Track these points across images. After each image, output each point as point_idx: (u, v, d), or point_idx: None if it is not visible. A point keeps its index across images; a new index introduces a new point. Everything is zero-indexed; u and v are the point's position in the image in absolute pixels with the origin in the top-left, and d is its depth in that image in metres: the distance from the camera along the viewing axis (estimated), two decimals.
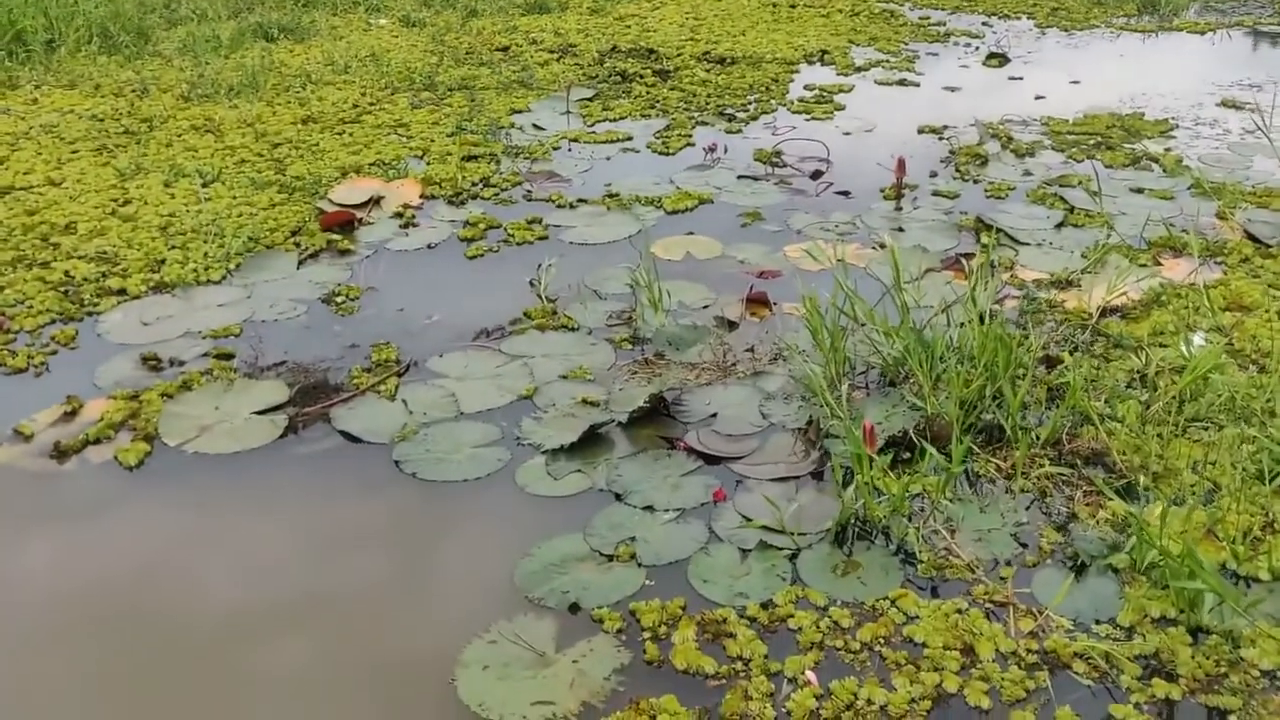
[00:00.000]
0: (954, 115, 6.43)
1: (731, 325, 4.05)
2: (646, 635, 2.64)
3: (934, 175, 5.54)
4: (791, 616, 2.68)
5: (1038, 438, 3.23)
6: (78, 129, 6.04)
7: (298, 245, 4.73)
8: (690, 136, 6.08)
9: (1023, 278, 4.34)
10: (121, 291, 4.30)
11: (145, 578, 2.91)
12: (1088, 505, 3.03)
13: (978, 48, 8.03)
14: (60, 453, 3.36)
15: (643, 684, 2.51)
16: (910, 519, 2.97)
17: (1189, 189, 5.22)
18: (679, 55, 7.64)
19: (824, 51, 7.74)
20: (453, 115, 6.35)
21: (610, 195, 5.26)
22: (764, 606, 2.71)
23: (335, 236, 4.79)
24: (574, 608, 2.74)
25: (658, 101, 6.68)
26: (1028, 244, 4.65)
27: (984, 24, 8.76)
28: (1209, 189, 5.16)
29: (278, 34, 8.01)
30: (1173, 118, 6.39)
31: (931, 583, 2.80)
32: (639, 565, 2.87)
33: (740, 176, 5.50)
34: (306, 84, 6.86)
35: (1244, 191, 5.18)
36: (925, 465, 3.05)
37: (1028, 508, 3.05)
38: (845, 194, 5.31)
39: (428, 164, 5.61)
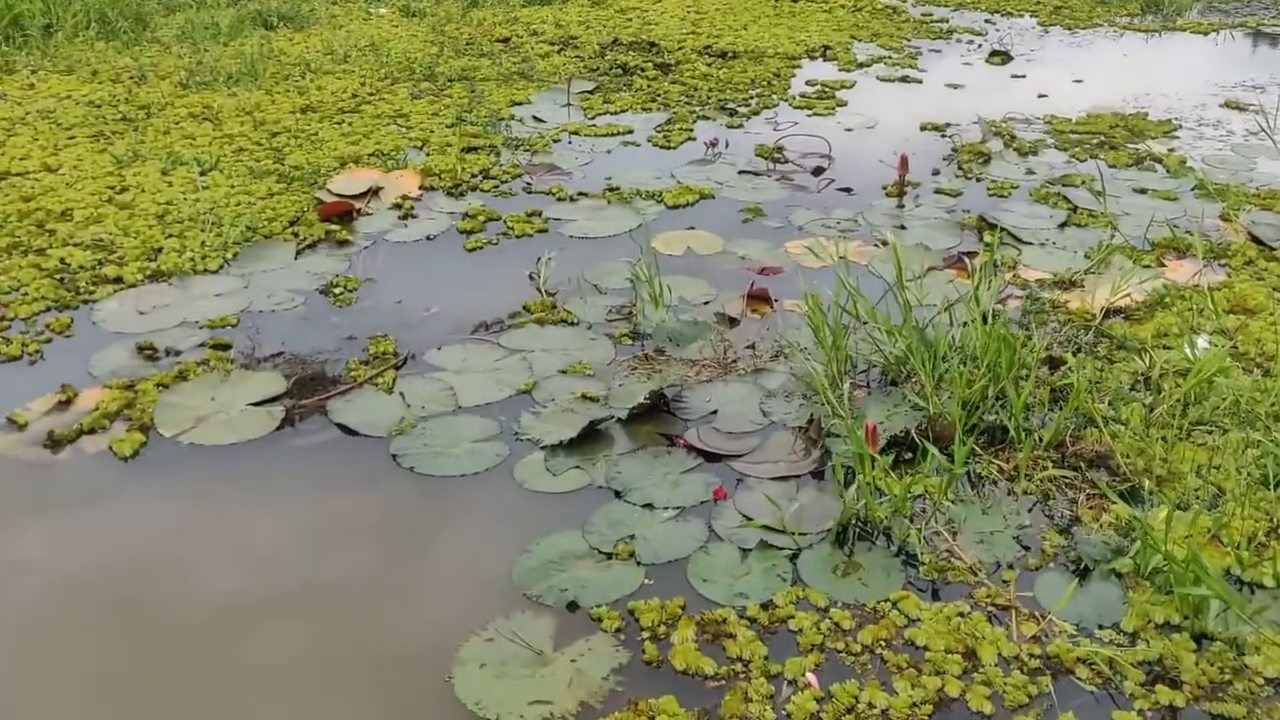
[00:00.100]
0: (956, 113, 6.40)
1: (732, 322, 4.02)
2: (645, 635, 2.62)
3: (936, 173, 5.51)
4: (792, 617, 2.66)
5: (1041, 439, 3.21)
6: (75, 115, 5.99)
7: (296, 235, 4.69)
8: (691, 131, 6.05)
9: (1026, 277, 4.32)
10: (118, 280, 4.27)
11: (139, 569, 2.88)
12: (1091, 508, 3.01)
13: (980, 45, 8.00)
14: (54, 442, 3.33)
15: (641, 684, 2.49)
16: (912, 520, 2.95)
17: (1193, 190, 5.20)
18: (680, 49, 7.60)
19: (826, 47, 7.70)
20: (453, 106, 6.31)
21: (611, 189, 5.23)
22: (764, 607, 2.70)
23: (334, 227, 4.76)
24: (572, 606, 2.72)
25: (659, 95, 6.64)
26: (1031, 243, 4.63)
27: (987, 21, 8.73)
28: (1213, 190, 5.14)
29: (277, 22, 7.96)
30: (1176, 118, 6.37)
31: (933, 585, 2.78)
32: (638, 564, 2.85)
33: (741, 172, 5.47)
34: (306, 73, 6.81)
35: (1248, 193, 5.16)
36: (927, 466, 3.03)
37: (1030, 510, 3.03)
38: (847, 190, 5.28)
39: (427, 155, 5.58)
